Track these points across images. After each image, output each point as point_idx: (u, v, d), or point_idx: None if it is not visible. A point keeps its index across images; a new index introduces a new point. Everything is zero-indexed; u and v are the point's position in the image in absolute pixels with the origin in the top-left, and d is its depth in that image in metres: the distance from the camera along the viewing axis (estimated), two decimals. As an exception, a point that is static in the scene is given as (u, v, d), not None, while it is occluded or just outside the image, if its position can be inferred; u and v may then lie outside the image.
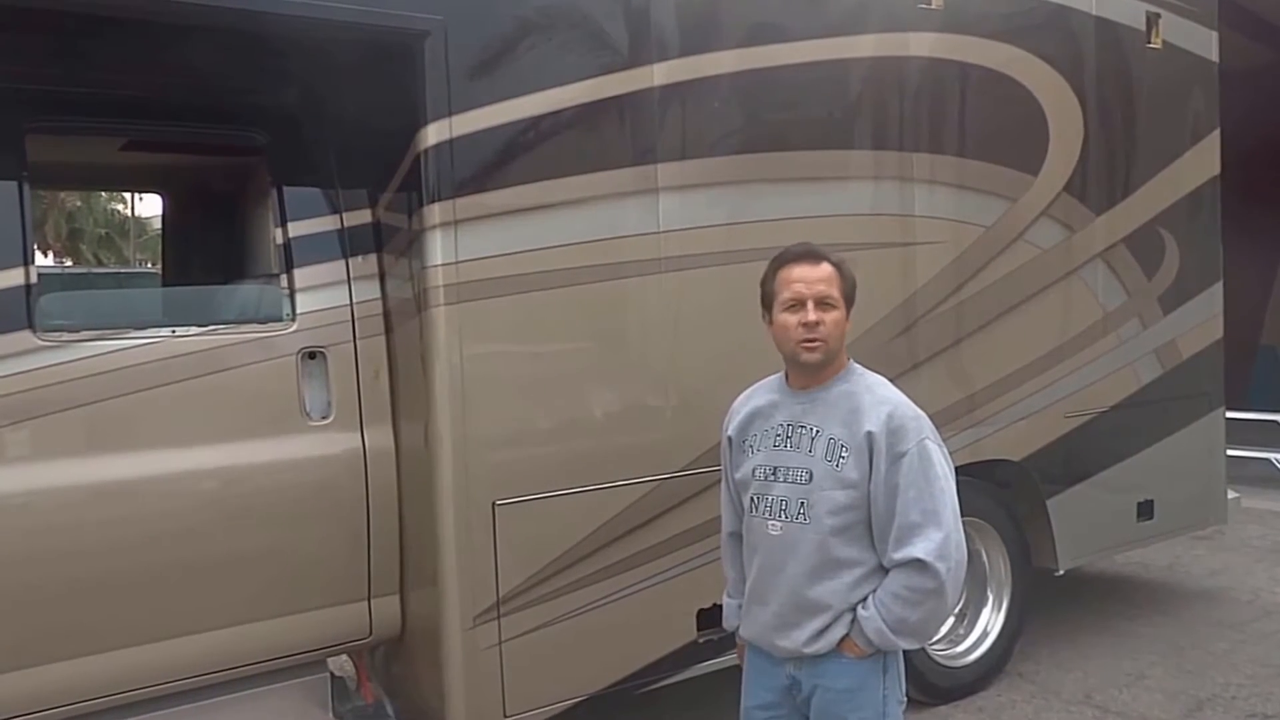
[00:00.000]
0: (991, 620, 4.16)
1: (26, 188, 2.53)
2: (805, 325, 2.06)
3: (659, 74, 3.12)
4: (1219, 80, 4.72)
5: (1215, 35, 4.71)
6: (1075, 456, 4.23)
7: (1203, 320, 4.72)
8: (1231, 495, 5.00)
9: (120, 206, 22.42)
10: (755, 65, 3.33)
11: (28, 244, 2.52)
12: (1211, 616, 4.91)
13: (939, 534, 2.00)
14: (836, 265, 2.12)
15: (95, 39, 2.51)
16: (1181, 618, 4.89)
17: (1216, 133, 4.73)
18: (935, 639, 4.01)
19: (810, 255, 2.12)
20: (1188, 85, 4.62)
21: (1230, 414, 7.83)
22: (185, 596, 2.64)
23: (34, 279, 2.49)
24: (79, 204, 20.56)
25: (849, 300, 2.12)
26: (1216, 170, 4.73)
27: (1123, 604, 5.11)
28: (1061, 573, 4.27)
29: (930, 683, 3.92)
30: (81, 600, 2.51)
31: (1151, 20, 4.43)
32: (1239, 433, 7.88)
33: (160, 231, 3.91)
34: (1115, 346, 4.34)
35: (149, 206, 19.25)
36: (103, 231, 22.88)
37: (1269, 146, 10.04)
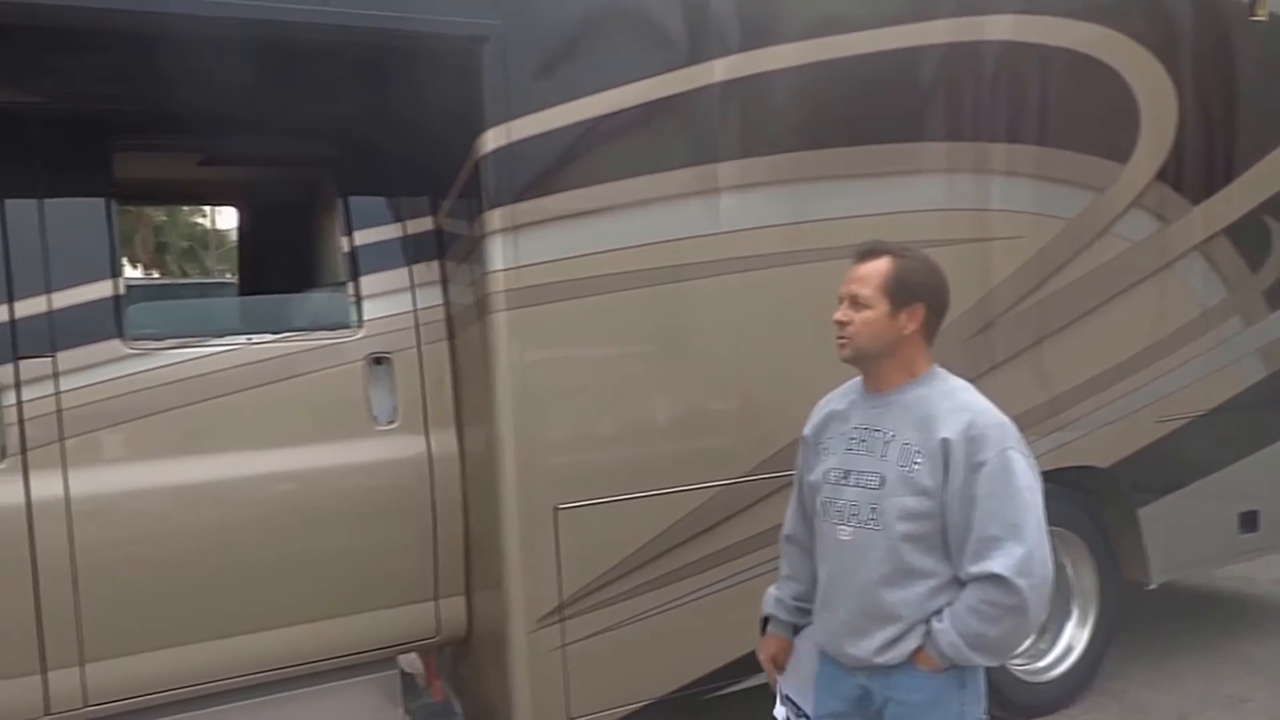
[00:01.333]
0: (1076, 635, 4.23)
1: (114, 203, 2.88)
2: (835, 322, 2.20)
3: (719, 70, 3.29)
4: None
5: (1328, 5, 4.68)
6: (1169, 463, 4.25)
7: (1317, 316, 4.70)
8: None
9: (201, 220, 23.96)
10: (820, 58, 3.45)
11: (115, 257, 2.87)
12: (1326, 636, 4.90)
13: (1020, 549, 2.02)
14: (894, 260, 2.18)
15: (173, 59, 2.84)
16: (1292, 637, 4.90)
17: (1330, 112, 4.70)
18: (1019, 656, 4.14)
19: (865, 253, 2.21)
20: (1297, 61, 4.61)
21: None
22: (262, 593, 2.95)
23: (122, 290, 2.84)
24: (164, 218, 22.12)
25: (904, 297, 2.15)
26: (1330, 153, 4.70)
27: (1224, 622, 5.09)
28: (1154, 587, 4.31)
29: (1008, 698, 3.99)
30: (167, 595, 2.84)
31: (1257, -9, 4.44)
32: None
33: (236, 243, 4.28)
34: (1214, 346, 4.35)
35: (227, 219, 20.50)
36: (186, 244, 24.57)
37: None
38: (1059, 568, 4.21)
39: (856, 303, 2.17)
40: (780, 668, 2.45)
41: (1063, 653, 4.22)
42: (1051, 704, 4.13)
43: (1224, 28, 4.37)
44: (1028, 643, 4.17)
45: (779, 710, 2.44)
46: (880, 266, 2.18)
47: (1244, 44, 4.42)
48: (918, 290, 2.18)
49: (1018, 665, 4.14)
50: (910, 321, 2.17)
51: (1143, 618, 4.76)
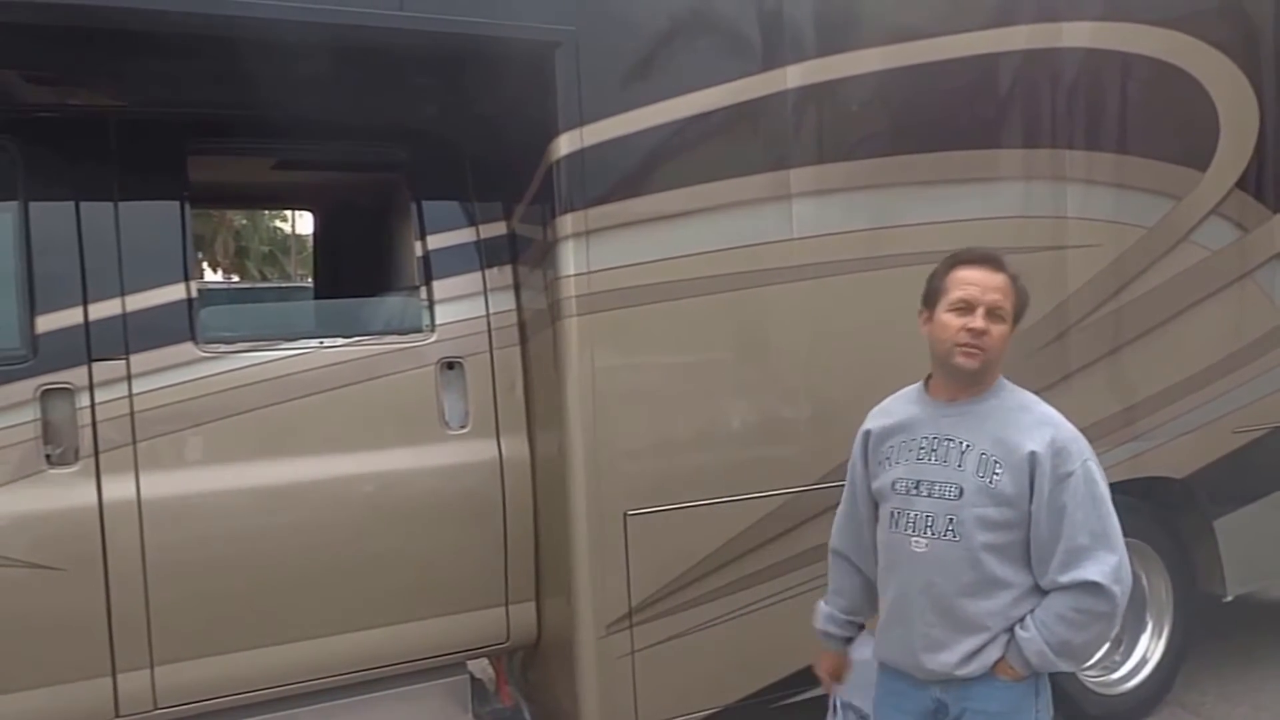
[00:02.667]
0: (1151, 647, 3.77)
1: (188, 207, 2.60)
2: (970, 330, 1.91)
3: (793, 76, 2.96)
4: None
5: None
6: (1246, 475, 3.78)
7: (1399, 325, 4.14)
8: None
9: (282, 224, 23.66)
10: (894, 64, 3.11)
11: (189, 261, 2.60)
12: (1406, 652, 4.30)
13: (1113, 557, 1.88)
14: (1013, 278, 1.97)
15: (247, 63, 2.55)
16: (1371, 653, 4.31)
17: None
18: (1087, 665, 3.69)
19: (991, 260, 1.98)
20: (1381, 67, 4.06)
21: None
22: (332, 598, 2.67)
23: (195, 294, 2.55)
24: (245, 223, 21.85)
25: (1017, 317, 1.98)
26: None
27: (1300, 634, 4.55)
28: (1230, 599, 3.83)
29: (1083, 710, 3.60)
30: (236, 599, 2.57)
31: (1339, -3, 3.91)
32: None
33: (313, 247, 3.99)
34: (1294, 355, 3.86)
35: (308, 224, 20.29)
36: (266, 249, 24.33)
37: None
38: (1135, 579, 3.74)
39: (996, 315, 1.94)
40: (840, 680, 2.24)
41: (1138, 664, 3.76)
42: (1126, 716, 3.70)
43: (1305, 33, 3.85)
44: (1101, 653, 3.74)
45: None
46: (1006, 281, 1.97)
47: (1326, 49, 3.89)
48: (1024, 310, 2.01)
49: (1091, 676, 3.70)
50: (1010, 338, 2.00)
51: (1219, 630, 4.24)
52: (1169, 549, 3.74)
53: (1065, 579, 1.88)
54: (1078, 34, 3.39)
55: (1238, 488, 3.78)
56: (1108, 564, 1.87)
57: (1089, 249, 3.44)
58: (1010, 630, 1.92)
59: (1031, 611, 1.91)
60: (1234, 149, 3.69)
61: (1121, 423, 3.53)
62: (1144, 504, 3.66)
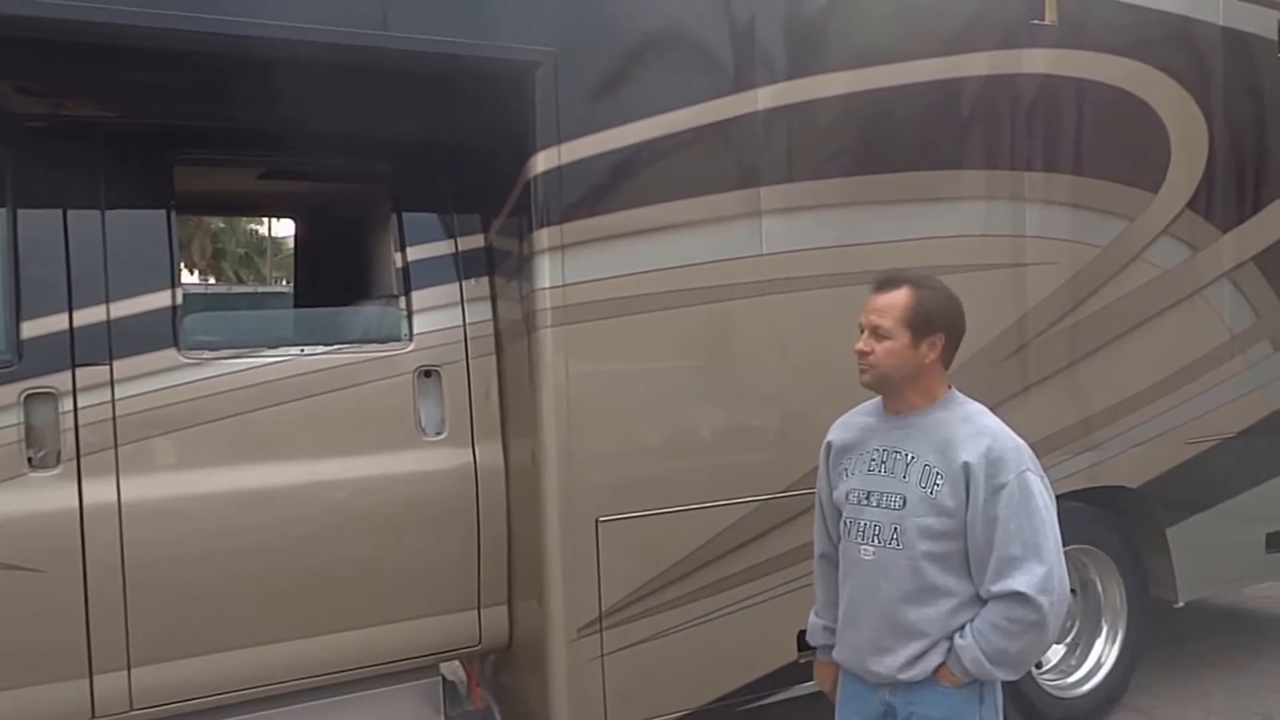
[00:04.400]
0: (1105, 651, 3.88)
1: (174, 216, 2.65)
2: (856, 351, 2.05)
3: (763, 98, 3.05)
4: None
5: (1354, 41, 4.29)
6: (1197, 484, 3.91)
7: (1342, 342, 4.30)
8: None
9: (258, 227, 23.49)
10: (860, 87, 3.21)
11: (175, 268, 2.64)
12: (1350, 657, 4.45)
13: (1041, 568, 1.91)
14: (913, 291, 2.02)
15: (234, 78, 2.61)
16: (1316, 657, 4.46)
17: (1357, 144, 4.30)
18: (1045, 669, 3.80)
19: (884, 283, 2.06)
20: (1325, 95, 4.23)
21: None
22: (312, 599, 2.70)
23: (179, 301, 2.59)
24: (222, 225, 21.68)
25: (924, 328, 2.00)
26: (1357, 183, 4.31)
27: (1252, 640, 4.70)
28: (1181, 604, 3.95)
29: (1040, 712, 3.68)
30: (215, 601, 2.59)
31: (1284, 28, 4.08)
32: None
33: (293, 253, 4.04)
34: (1243, 370, 4.00)
35: (285, 227, 20.20)
36: (242, 251, 24.12)
37: None
38: (1089, 585, 3.88)
39: (878, 334, 2.03)
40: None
41: (1093, 668, 3.87)
42: (1082, 717, 3.79)
43: (1252, 64, 4.04)
44: (1058, 657, 3.86)
45: None
46: (900, 298, 2.03)
47: (1271, 80, 4.08)
48: (937, 321, 2.04)
49: (1049, 680, 3.80)
50: (930, 351, 2.03)
51: (1173, 636, 4.37)
52: (1123, 556, 3.85)
53: (996, 589, 1.93)
54: (1036, 60, 3.52)
55: (1189, 497, 3.90)
56: (1036, 575, 1.90)
57: (1046, 266, 3.56)
58: (950, 638, 1.97)
59: (971, 620, 1.96)
60: (1185, 172, 3.83)
61: (1079, 433, 3.64)
62: (1100, 512, 3.78)
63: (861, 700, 2.10)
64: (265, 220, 20.59)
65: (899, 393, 2.06)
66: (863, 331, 2.04)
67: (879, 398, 2.14)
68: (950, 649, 1.97)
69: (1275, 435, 4.07)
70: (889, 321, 2.00)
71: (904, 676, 1.99)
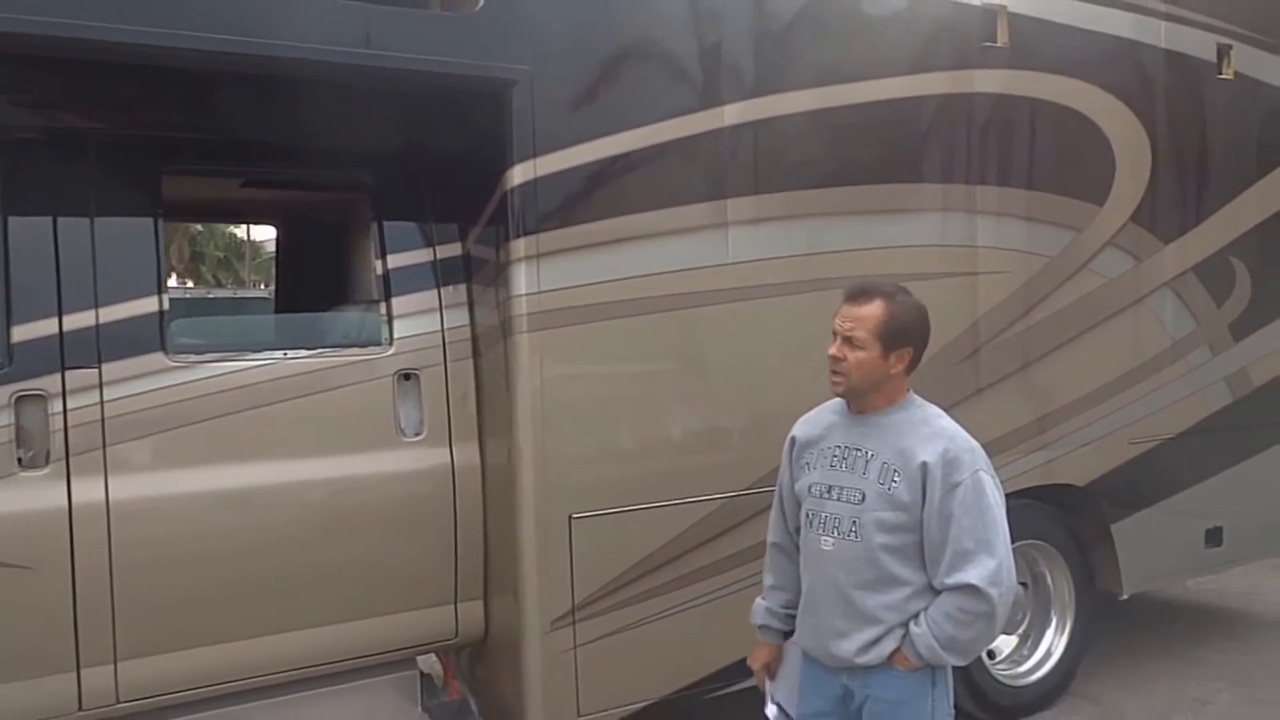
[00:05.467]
0: (1055, 641, 4.06)
1: (161, 224, 2.72)
2: (830, 357, 2.15)
3: (729, 114, 3.17)
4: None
5: (1291, 65, 4.52)
6: (1140, 482, 4.10)
7: (1277, 348, 4.51)
8: (1307, 523, 4.75)
9: (237, 231, 23.36)
10: (822, 105, 3.34)
11: (161, 275, 2.72)
12: (1286, 645, 4.68)
13: (992, 562, 2.03)
14: (886, 305, 2.12)
15: (220, 91, 2.69)
16: (1254, 646, 4.67)
17: (1291, 161, 4.54)
18: (998, 659, 3.97)
19: (858, 294, 2.16)
20: (1260, 114, 4.44)
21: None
22: (291, 596, 2.79)
23: (166, 306, 2.67)
24: (200, 229, 21.51)
25: (895, 341, 2.12)
26: (1291, 198, 4.54)
27: (1194, 631, 4.90)
28: (1126, 597, 4.14)
29: (992, 701, 3.85)
30: (200, 597, 2.67)
31: (1223, 51, 4.28)
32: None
33: (274, 259, 4.11)
34: (1183, 374, 4.19)
35: (263, 231, 20.08)
36: (221, 255, 23.98)
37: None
38: (1039, 578, 4.05)
39: (851, 343, 2.13)
40: (772, 674, 2.39)
41: (1042, 658, 4.05)
42: (1031, 706, 3.96)
43: (1194, 84, 4.23)
44: (1010, 647, 4.03)
45: (770, 709, 2.36)
46: (875, 310, 2.13)
47: (1211, 99, 4.28)
48: (907, 334, 2.15)
49: (1001, 669, 3.98)
50: (899, 362, 2.15)
51: (1119, 628, 4.57)
52: (1071, 550, 4.03)
53: (950, 581, 2.05)
54: (988, 81, 3.68)
55: (1133, 494, 4.08)
56: (987, 568, 2.02)
57: (998, 275, 3.72)
58: (905, 625, 2.10)
59: (925, 609, 2.09)
60: (1129, 186, 4.01)
61: (1029, 434, 3.80)
62: (1050, 508, 3.95)
63: (821, 683, 2.22)
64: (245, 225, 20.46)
65: (865, 397, 2.17)
66: (835, 337, 2.14)
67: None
68: (905, 635, 2.09)
69: (1213, 436, 4.26)
70: (862, 333, 2.11)
71: (861, 660, 2.11)
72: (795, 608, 2.32)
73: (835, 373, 2.15)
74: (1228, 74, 4.29)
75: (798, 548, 2.31)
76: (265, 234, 20.00)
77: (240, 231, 22.44)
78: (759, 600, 2.41)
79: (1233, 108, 4.33)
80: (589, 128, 2.93)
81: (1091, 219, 3.93)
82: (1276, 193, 4.49)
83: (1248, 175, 4.41)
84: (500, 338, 2.93)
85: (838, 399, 2.25)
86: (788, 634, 2.35)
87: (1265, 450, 4.48)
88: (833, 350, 2.14)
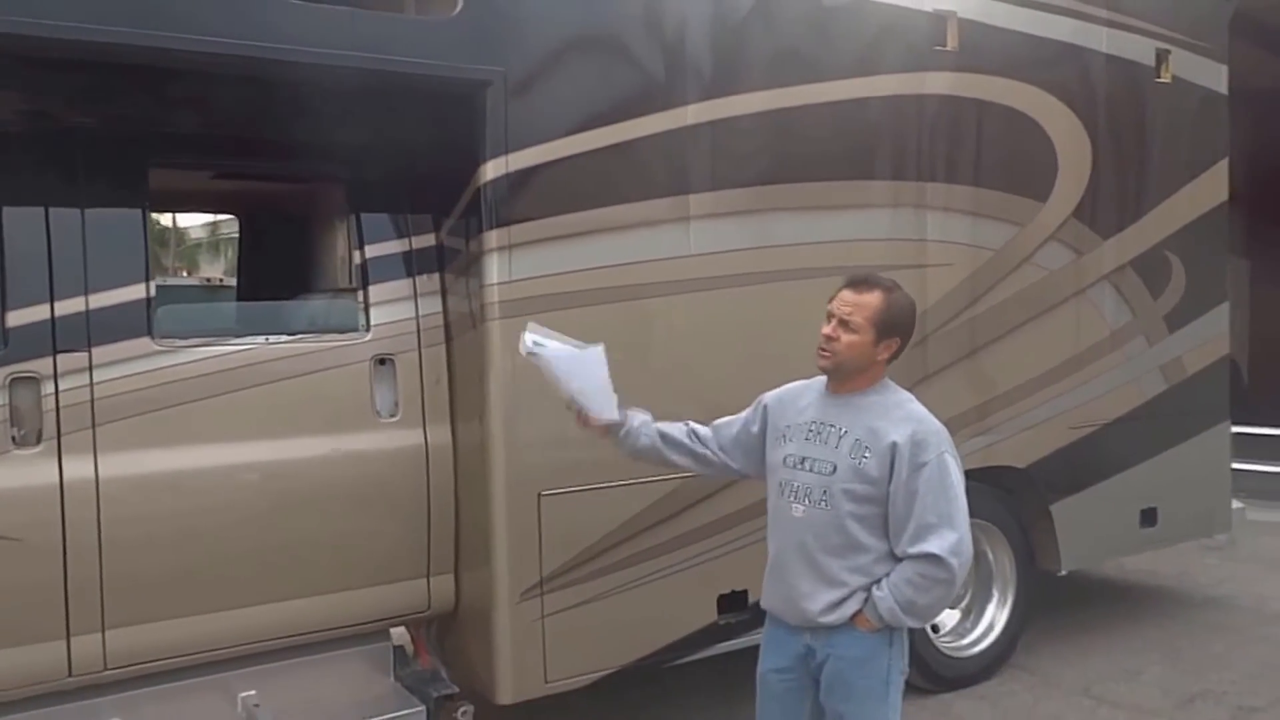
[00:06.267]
0: (996, 615, 4.42)
1: (148, 215, 2.93)
2: (823, 335, 2.39)
3: (691, 114, 3.44)
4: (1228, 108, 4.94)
5: (1225, 69, 4.91)
6: (1078, 465, 4.46)
7: (1208, 339, 4.92)
8: (1237, 506, 5.19)
9: (163, 219, 23.08)
10: (780, 105, 3.62)
11: (149, 263, 2.93)
12: (1213, 621, 5.11)
13: (954, 534, 2.28)
14: (885, 297, 2.37)
15: (206, 89, 2.90)
16: (1184, 621, 5.10)
17: (1225, 161, 4.93)
18: (943, 632, 4.32)
19: (860, 282, 2.41)
20: (1196, 116, 4.83)
21: (1262, 430, 8.00)
22: (273, 568, 3.02)
23: (153, 293, 2.89)
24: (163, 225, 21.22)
25: (884, 330, 2.37)
26: (1224, 197, 4.93)
27: (1130, 607, 5.33)
28: (1064, 573, 4.51)
29: (936, 672, 4.20)
30: (184, 569, 2.89)
31: (1161, 56, 4.65)
32: (1266, 449, 8.07)
33: (255, 250, 4.33)
34: (1120, 363, 4.57)
35: (189, 219, 19.94)
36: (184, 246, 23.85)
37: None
38: (982, 555, 4.41)
39: (846, 326, 2.36)
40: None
41: (984, 631, 4.41)
42: (974, 676, 4.32)
43: (1133, 88, 4.60)
44: (954, 620, 4.38)
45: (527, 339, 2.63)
46: (874, 300, 2.37)
47: (1150, 102, 4.65)
48: (898, 327, 2.41)
49: (945, 642, 4.32)
50: (886, 351, 2.41)
51: (1059, 606, 4.96)
52: (1012, 529, 4.39)
53: (914, 550, 2.28)
54: (938, 82, 4.00)
55: (1071, 476, 4.45)
56: (949, 540, 2.27)
57: (945, 268, 4.05)
58: (867, 588, 2.34)
59: (887, 574, 2.33)
60: (1070, 184, 4.37)
61: (974, 418, 4.15)
62: (992, 489, 4.29)
63: (784, 643, 2.47)
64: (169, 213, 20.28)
65: (848, 378, 2.41)
66: (831, 319, 2.37)
67: (822, 377, 2.48)
68: (867, 598, 2.34)
69: (1149, 422, 4.65)
70: (859, 318, 2.34)
71: (825, 620, 2.35)
72: (650, 428, 2.64)
73: (825, 350, 2.38)
74: (1166, 77, 4.67)
75: (698, 453, 2.62)
76: (190, 221, 19.86)
77: (166, 219, 22.12)
78: (636, 417, 2.67)
79: (1170, 110, 4.71)
80: (558, 126, 3.18)
81: (1034, 215, 4.28)
82: (1211, 190, 4.90)
83: (1184, 174, 4.80)
84: (472, 324, 3.18)
85: (818, 379, 2.50)
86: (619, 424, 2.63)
87: (1198, 435, 4.88)
88: (827, 330, 2.38)
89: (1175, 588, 5.72)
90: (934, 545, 2.27)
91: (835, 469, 2.36)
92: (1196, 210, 4.83)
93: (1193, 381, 4.84)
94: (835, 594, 2.36)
